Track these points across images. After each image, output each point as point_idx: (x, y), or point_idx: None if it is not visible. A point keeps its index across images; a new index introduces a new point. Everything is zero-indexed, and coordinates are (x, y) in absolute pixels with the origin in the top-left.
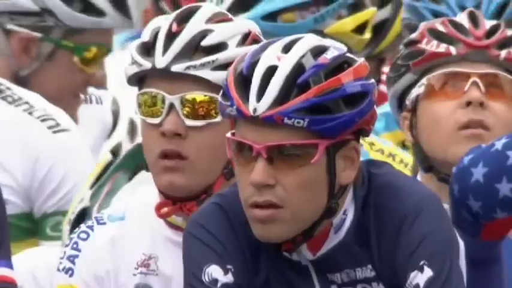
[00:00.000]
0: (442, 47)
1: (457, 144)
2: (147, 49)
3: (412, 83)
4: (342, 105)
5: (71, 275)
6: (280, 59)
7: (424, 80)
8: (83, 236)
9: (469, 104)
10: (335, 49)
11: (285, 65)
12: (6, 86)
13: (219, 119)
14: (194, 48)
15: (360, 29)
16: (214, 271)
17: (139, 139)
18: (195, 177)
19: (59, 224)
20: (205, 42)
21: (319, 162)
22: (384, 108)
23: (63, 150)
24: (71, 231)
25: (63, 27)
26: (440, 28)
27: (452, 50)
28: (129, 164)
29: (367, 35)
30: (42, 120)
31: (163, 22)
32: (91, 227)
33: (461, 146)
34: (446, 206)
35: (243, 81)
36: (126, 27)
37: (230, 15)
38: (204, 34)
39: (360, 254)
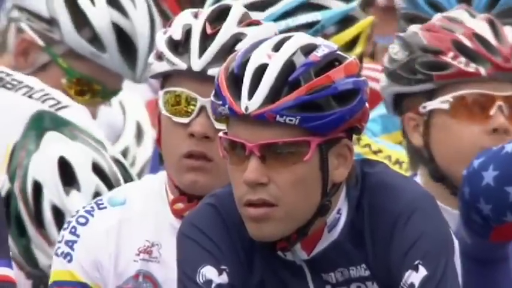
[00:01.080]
0: (472, 67)
1: None
2: (180, 47)
3: (428, 91)
4: (333, 103)
5: (69, 261)
6: (271, 57)
7: (449, 98)
8: (82, 220)
9: (495, 130)
10: (325, 47)
11: (276, 63)
12: (6, 73)
13: None
14: (228, 52)
15: (349, 44)
16: (208, 272)
17: (145, 142)
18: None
19: None
20: (240, 46)
21: (311, 159)
22: (379, 110)
23: None
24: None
25: (67, 45)
26: (467, 43)
27: (482, 71)
28: (33, 132)
29: (359, 49)
30: (43, 101)
31: (193, 20)
32: (90, 212)
33: None
34: (444, 206)
35: (235, 80)
36: (126, 75)
37: (252, 19)
38: (238, 38)
39: (354, 253)
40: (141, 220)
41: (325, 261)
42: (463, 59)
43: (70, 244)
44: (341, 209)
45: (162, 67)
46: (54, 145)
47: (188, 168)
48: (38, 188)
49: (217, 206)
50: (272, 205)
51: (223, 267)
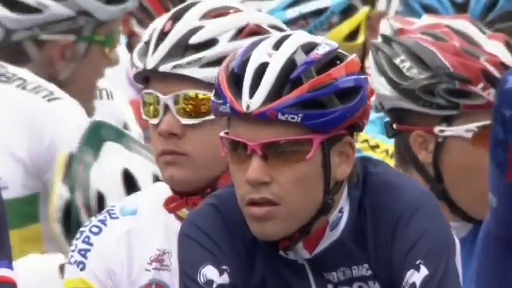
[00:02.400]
0: None
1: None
2: (144, 49)
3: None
4: (336, 100)
5: (82, 269)
6: (271, 55)
7: (474, 127)
8: (95, 230)
9: None
10: (326, 45)
11: (277, 62)
12: (1, 65)
13: (213, 115)
14: (184, 47)
15: (352, 34)
16: (209, 272)
17: None
18: (195, 171)
19: None
20: (194, 39)
21: (314, 157)
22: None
23: (62, 117)
24: (65, 229)
25: (92, 23)
26: (495, 73)
27: None
28: (91, 142)
29: (361, 38)
30: (36, 93)
31: (160, 21)
32: (103, 221)
33: None
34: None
35: (235, 79)
36: None
37: (235, 9)
38: (194, 31)
39: (356, 252)
40: (151, 229)
41: (327, 260)
42: (492, 91)
43: (83, 253)
44: (343, 208)
45: (132, 73)
46: (116, 157)
47: (164, 163)
48: (101, 198)
49: (219, 206)
50: (275, 204)
51: (224, 267)
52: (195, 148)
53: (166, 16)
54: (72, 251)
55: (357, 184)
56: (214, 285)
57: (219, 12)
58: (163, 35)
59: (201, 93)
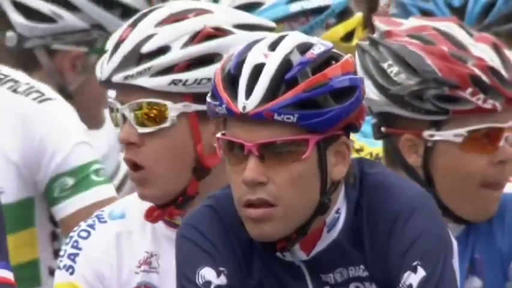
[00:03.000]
0: (489, 103)
1: (479, 205)
2: (103, 59)
3: (436, 121)
4: (331, 100)
5: (71, 273)
6: (267, 56)
7: (463, 132)
8: (84, 234)
9: (500, 161)
10: (321, 45)
11: (272, 62)
12: None
13: (168, 124)
14: (138, 56)
15: (348, 36)
16: (207, 273)
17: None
18: (160, 185)
19: (65, 185)
20: (145, 48)
21: (310, 158)
22: None
23: (53, 117)
24: None
25: (106, 36)
26: (484, 78)
27: (498, 106)
28: None
29: (355, 41)
30: (27, 95)
31: (122, 28)
32: (92, 226)
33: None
34: None
35: (231, 80)
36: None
37: (196, 12)
38: (147, 40)
39: (353, 253)
40: (140, 232)
41: (324, 262)
42: (481, 96)
43: (72, 257)
44: (340, 209)
45: None
46: None
47: (133, 181)
48: None
49: (216, 207)
50: (271, 205)
51: (221, 268)
52: (153, 158)
53: (128, 23)
54: (61, 256)
55: (353, 185)
56: (212, 287)
57: (177, 18)
58: (119, 43)
59: (154, 102)
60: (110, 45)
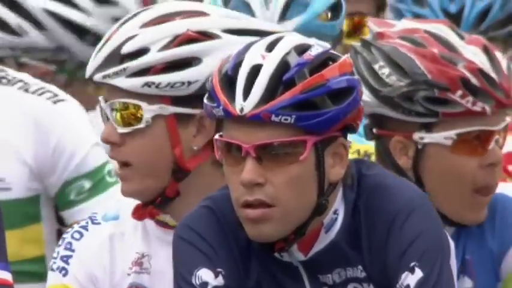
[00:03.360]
0: (479, 106)
1: (469, 209)
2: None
3: (426, 123)
4: (328, 101)
5: (64, 275)
6: (264, 57)
7: (453, 135)
8: (77, 236)
9: (490, 164)
10: (319, 46)
11: (270, 63)
12: (0, 68)
13: (142, 125)
14: (119, 56)
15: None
16: (204, 274)
17: None
18: (139, 182)
19: (82, 188)
20: (125, 49)
21: (307, 159)
22: None
23: (68, 118)
24: None
25: (77, 61)
26: (474, 81)
27: (488, 109)
28: None
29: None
30: (40, 94)
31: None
32: (85, 227)
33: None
34: None
35: (229, 81)
36: None
37: (185, 15)
38: (128, 40)
39: (351, 254)
40: (133, 233)
41: (322, 263)
42: (470, 98)
43: (65, 259)
44: (338, 210)
45: None
46: None
47: (117, 176)
48: None
49: (214, 208)
50: (269, 206)
51: (219, 269)
52: (133, 156)
53: (118, 23)
54: (55, 258)
55: (351, 186)
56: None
57: (162, 20)
58: (104, 43)
59: (130, 103)
60: (99, 44)
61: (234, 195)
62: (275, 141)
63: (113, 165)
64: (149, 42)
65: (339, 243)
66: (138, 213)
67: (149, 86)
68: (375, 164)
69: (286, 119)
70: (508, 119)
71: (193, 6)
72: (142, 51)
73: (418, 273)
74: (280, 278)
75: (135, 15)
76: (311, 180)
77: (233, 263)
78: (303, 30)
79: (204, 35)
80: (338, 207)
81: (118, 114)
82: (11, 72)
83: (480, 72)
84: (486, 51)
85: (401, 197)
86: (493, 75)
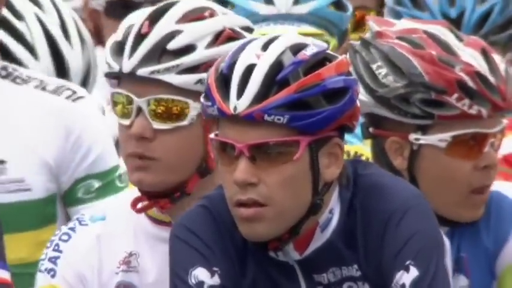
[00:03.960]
0: (475, 109)
1: (466, 208)
2: (119, 49)
3: (422, 124)
4: (323, 101)
5: (52, 276)
6: (259, 57)
7: (448, 137)
8: (64, 237)
9: (485, 167)
10: (315, 46)
11: (264, 63)
12: (13, 68)
13: (186, 122)
14: (161, 51)
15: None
16: (200, 273)
17: None
18: (164, 175)
19: (91, 187)
20: (172, 45)
21: (301, 159)
22: None
23: (87, 116)
24: None
25: None
26: (470, 84)
27: (484, 112)
28: None
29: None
30: (59, 93)
31: (137, 20)
32: (73, 229)
33: (469, 210)
34: None
35: (224, 80)
36: None
37: (210, 11)
38: (171, 36)
39: (346, 253)
40: (120, 233)
41: (318, 262)
42: (466, 101)
43: (53, 260)
44: (333, 209)
45: (104, 70)
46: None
47: (133, 167)
48: None
49: (210, 207)
50: (262, 205)
51: (215, 268)
52: (164, 153)
53: (141, 16)
54: (43, 259)
55: (347, 185)
56: (205, 287)
57: (196, 16)
58: (140, 37)
59: (176, 99)
60: (124, 36)
61: (227, 194)
62: (268, 141)
63: (124, 170)
64: (195, 39)
65: (334, 242)
66: (140, 206)
67: (201, 83)
68: (371, 164)
69: (279, 119)
70: (504, 121)
71: (201, 3)
72: (190, 48)
73: (414, 272)
74: (276, 277)
75: (163, 10)
76: (305, 180)
77: (229, 262)
78: (315, 14)
79: (236, 33)
80: (334, 206)
81: (157, 110)
82: (24, 71)
83: (477, 75)
84: (484, 53)
85: (397, 196)
86: (490, 78)
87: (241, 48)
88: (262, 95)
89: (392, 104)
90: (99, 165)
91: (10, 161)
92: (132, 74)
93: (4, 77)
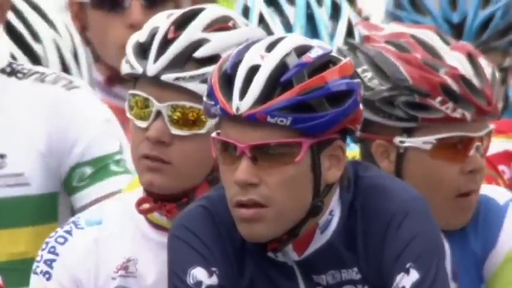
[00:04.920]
0: (458, 112)
1: (453, 213)
2: (143, 50)
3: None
4: (326, 104)
5: (48, 279)
6: (263, 57)
7: (432, 140)
8: (61, 240)
9: (471, 171)
10: (320, 48)
11: (268, 64)
12: (17, 63)
13: (204, 130)
14: (186, 58)
15: None
16: (198, 273)
17: None
18: (176, 180)
19: (83, 174)
20: (198, 53)
21: (303, 161)
22: None
23: (78, 105)
24: None
25: None
26: (454, 87)
27: (467, 116)
28: None
29: None
30: (55, 83)
31: (163, 22)
32: (69, 232)
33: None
34: None
35: (227, 80)
36: None
37: (233, 22)
38: (198, 44)
39: (346, 255)
40: (117, 237)
41: (317, 263)
42: (450, 105)
43: (49, 263)
44: (333, 211)
45: (125, 69)
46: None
47: (146, 168)
48: None
49: (209, 207)
50: (263, 206)
51: (213, 268)
52: (179, 158)
53: (167, 20)
54: (38, 261)
55: (348, 187)
56: (203, 287)
57: (221, 26)
58: (166, 42)
59: (196, 107)
60: (149, 38)
61: (228, 194)
62: (270, 142)
63: (121, 156)
64: (221, 49)
65: (334, 244)
66: (144, 207)
67: None
68: (371, 166)
69: (282, 121)
70: (491, 126)
71: (223, 12)
72: (214, 58)
73: (414, 275)
74: (275, 277)
75: (189, 17)
76: (306, 181)
77: (227, 262)
78: None
79: None
80: (334, 208)
81: (176, 116)
82: (27, 65)
83: (462, 79)
84: (470, 57)
85: (398, 198)
86: (475, 82)
87: (246, 48)
88: (265, 96)
89: (377, 106)
90: (91, 152)
91: (10, 155)
92: (155, 78)
93: (9, 74)
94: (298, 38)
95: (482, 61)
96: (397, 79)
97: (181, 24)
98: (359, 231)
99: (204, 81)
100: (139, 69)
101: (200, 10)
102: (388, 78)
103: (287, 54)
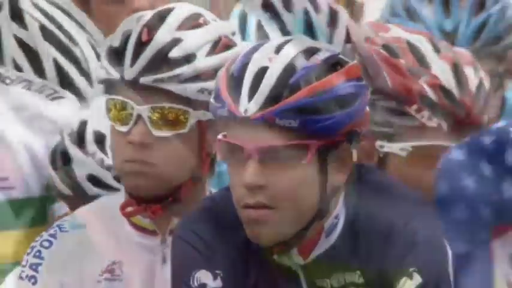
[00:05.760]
0: (434, 121)
1: None
2: (118, 55)
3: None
4: (334, 106)
5: (34, 283)
6: (271, 59)
7: (408, 147)
8: (46, 244)
9: None
10: (327, 50)
11: (276, 66)
12: (5, 69)
13: (186, 130)
14: (162, 59)
15: None
16: (203, 276)
17: None
18: (161, 181)
19: None
20: (173, 54)
21: (310, 163)
22: None
23: (59, 115)
24: None
25: None
26: (432, 96)
27: (444, 125)
28: None
29: None
30: (40, 92)
31: (135, 25)
32: (54, 235)
33: None
34: None
35: (235, 82)
36: None
37: (203, 18)
38: (173, 44)
39: (350, 259)
40: (102, 240)
41: (321, 267)
42: (426, 113)
43: (34, 267)
44: (339, 214)
45: (101, 75)
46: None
47: (129, 172)
48: None
49: (213, 209)
50: (270, 208)
51: (218, 271)
52: (163, 160)
53: (139, 23)
54: (23, 266)
55: (353, 190)
56: None
57: (193, 23)
58: (141, 45)
59: (177, 107)
60: (122, 42)
61: (235, 195)
62: (278, 144)
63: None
64: (195, 47)
65: (338, 247)
66: (128, 210)
67: (202, 92)
68: (375, 169)
69: (290, 123)
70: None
71: (194, 9)
72: (191, 57)
73: (417, 279)
74: (279, 281)
75: (161, 17)
76: (313, 184)
77: (232, 264)
78: None
79: (231, 41)
80: (339, 211)
81: (157, 118)
82: (15, 73)
83: (440, 88)
84: (455, 68)
85: (402, 202)
86: (455, 92)
87: (254, 50)
88: (273, 98)
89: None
90: None
91: None
92: (134, 82)
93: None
94: (305, 40)
95: (469, 71)
96: (379, 83)
97: (153, 25)
98: (362, 235)
99: (183, 81)
100: (116, 75)
101: (170, 10)
102: (372, 83)
103: (295, 57)
